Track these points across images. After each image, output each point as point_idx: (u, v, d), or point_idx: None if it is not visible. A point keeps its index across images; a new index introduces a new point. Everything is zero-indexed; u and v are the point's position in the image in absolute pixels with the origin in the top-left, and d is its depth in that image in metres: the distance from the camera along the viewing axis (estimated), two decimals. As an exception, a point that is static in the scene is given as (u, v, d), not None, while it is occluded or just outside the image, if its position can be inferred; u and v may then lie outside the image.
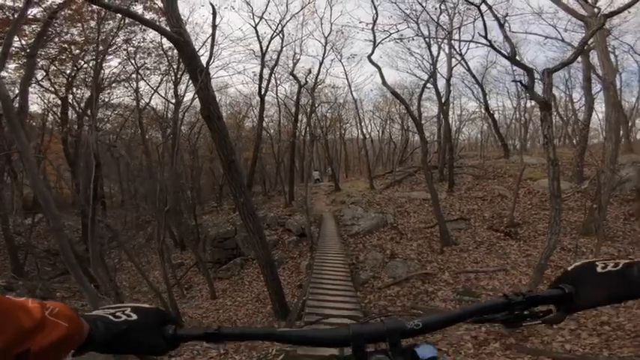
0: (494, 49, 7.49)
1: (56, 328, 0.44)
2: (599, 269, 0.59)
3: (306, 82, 20.22)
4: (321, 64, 20.03)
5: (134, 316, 0.58)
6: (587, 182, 13.30)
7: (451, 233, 11.12)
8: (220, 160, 6.59)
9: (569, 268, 0.63)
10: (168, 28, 6.57)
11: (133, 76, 19.93)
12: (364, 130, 26.42)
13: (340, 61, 22.73)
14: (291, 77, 20.55)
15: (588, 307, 0.60)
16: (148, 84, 19.43)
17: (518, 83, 6.82)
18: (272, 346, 7.20)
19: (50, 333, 0.43)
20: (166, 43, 16.90)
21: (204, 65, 6.70)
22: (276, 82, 22.05)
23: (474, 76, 21.91)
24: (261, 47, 18.32)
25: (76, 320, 0.48)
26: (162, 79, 20.02)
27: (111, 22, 16.89)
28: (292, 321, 8.69)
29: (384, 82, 11.33)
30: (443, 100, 17.42)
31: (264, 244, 7.23)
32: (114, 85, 21.11)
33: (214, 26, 7.14)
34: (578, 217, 11.36)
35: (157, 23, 10.55)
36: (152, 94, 20.59)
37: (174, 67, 18.46)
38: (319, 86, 22.84)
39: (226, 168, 6.38)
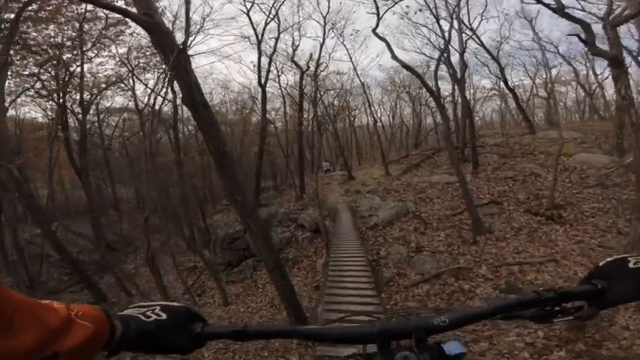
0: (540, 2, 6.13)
1: (82, 329, 0.44)
2: (631, 265, 0.57)
3: (308, 67, 18.99)
4: (321, 45, 18.77)
5: (163, 316, 0.58)
6: (632, 155, 11.74)
7: (483, 220, 9.85)
8: (210, 154, 5.57)
9: (601, 264, 0.61)
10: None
11: (130, 77, 19.22)
12: (374, 115, 25.01)
13: (343, 43, 21.38)
14: (293, 65, 19.41)
15: (620, 303, 0.58)
16: (143, 83, 18.55)
17: (576, 38, 5.49)
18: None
19: (77, 334, 0.43)
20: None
21: (181, 47, 5.66)
22: (278, 72, 20.90)
23: (488, 51, 20.36)
24: (256, 34, 17.17)
25: (102, 321, 0.48)
26: (158, 77, 19.11)
27: (97, 22, 16.16)
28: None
29: (393, 56, 10.04)
30: (458, 76, 15.93)
31: (269, 246, 6.21)
32: (111, 87, 20.44)
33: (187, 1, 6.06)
34: (628, 195, 9.91)
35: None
36: (150, 94, 19.70)
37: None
38: (323, 73, 21.62)
39: (218, 162, 5.36)
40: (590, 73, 27.55)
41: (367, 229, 11.78)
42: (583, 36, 5.26)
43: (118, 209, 26.91)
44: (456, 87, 17.22)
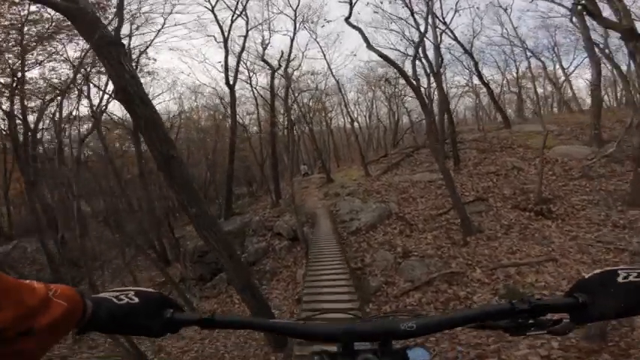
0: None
1: (58, 307, 0.46)
2: (620, 279, 0.54)
3: (280, 66, 18.09)
4: (292, 40, 17.90)
5: (136, 300, 0.59)
6: (615, 144, 11.55)
7: (471, 218, 9.24)
8: (154, 157, 4.57)
9: (587, 276, 0.58)
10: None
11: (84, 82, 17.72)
12: (351, 114, 24.36)
13: (316, 40, 20.71)
14: (265, 65, 18.47)
15: (603, 319, 0.56)
16: (97, 86, 17.05)
17: (581, 7, 4.88)
18: None
19: (53, 312, 0.45)
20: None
21: (112, 36, 4.69)
22: (249, 73, 19.86)
23: (461, 45, 20.22)
24: (222, 32, 16.14)
25: (75, 299, 0.50)
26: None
27: (45, 24, 14.72)
28: (291, 353, 6.95)
29: (369, 46, 9.31)
30: (435, 70, 15.47)
31: (236, 262, 5.25)
32: (65, 93, 18.78)
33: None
34: (616, 185, 9.60)
35: None
36: (109, 100, 18.16)
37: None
38: (296, 72, 20.81)
39: (163, 168, 4.35)
40: (558, 67, 28.14)
41: (349, 234, 10.95)
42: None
43: (83, 224, 25.07)
44: (432, 81, 16.79)
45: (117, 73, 4.43)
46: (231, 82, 16.31)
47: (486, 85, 20.75)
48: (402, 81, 24.60)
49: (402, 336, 0.54)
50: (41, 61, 16.82)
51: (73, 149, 28.50)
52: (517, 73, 26.67)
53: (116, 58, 4.54)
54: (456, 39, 19.65)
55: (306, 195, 17.46)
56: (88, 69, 17.23)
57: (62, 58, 17.00)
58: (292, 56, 18.39)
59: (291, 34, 17.94)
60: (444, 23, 18.37)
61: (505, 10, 19.57)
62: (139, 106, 4.29)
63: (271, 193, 17.08)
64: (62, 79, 18.11)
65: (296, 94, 21.85)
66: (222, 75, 16.17)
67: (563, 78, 28.86)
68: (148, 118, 4.30)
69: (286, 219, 12.78)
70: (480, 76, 20.71)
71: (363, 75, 27.39)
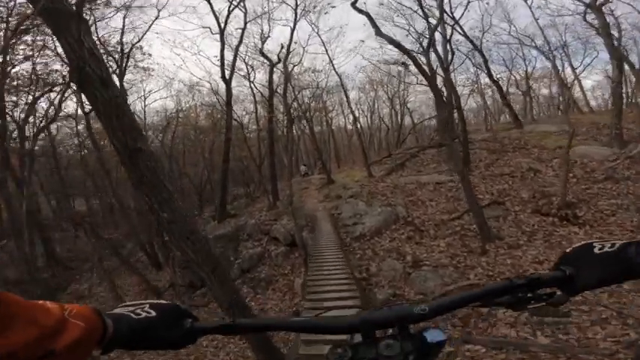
0: None
1: (76, 328, 0.45)
2: (596, 250, 0.58)
3: (279, 60, 17.22)
4: (292, 30, 17.01)
5: (153, 313, 0.58)
6: (639, 145, 10.67)
7: (487, 223, 8.35)
8: (115, 150, 3.71)
9: (568, 250, 0.62)
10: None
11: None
12: (353, 113, 23.51)
13: (317, 34, 19.93)
14: (265, 61, 17.61)
15: (590, 289, 0.59)
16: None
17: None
18: None
19: (71, 333, 0.44)
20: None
21: (72, 8, 3.87)
22: (248, 68, 18.96)
23: (471, 41, 19.39)
24: (218, 23, 15.30)
25: (93, 319, 0.49)
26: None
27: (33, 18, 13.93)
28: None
29: (378, 32, 8.46)
30: (445, 65, 14.61)
31: (220, 277, 4.37)
32: (55, 89, 17.98)
33: None
34: (645, 189, 8.73)
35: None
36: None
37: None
38: (296, 68, 19.94)
39: (127, 162, 3.50)
40: (567, 66, 27.22)
41: (352, 240, 10.07)
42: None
43: (76, 224, 24.35)
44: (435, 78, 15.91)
45: (75, 51, 3.58)
46: (227, 77, 15.44)
47: (496, 82, 19.96)
48: (406, 79, 23.83)
49: (416, 319, 0.56)
50: (29, 57, 16.06)
51: (66, 147, 27.78)
52: (526, 72, 25.74)
53: (76, 35, 3.69)
54: (465, 35, 18.83)
55: (306, 196, 16.58)
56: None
57: (53, 53, 16.24)
58: (292, 49, 17.55)
59: (292, 24, 17.10)
60: (453, 18, 17.61)
61: (525, 0, 18.88)
62: (98, 89, 3.43)
63: (268, 195, 16.17)
64: (53, 74, 17.36)
65: (296, 92, 21.03)
66: (218, 69, 15.37)
67: (572, 78, 27.96)
68: (108, 102, 3.44)
69: (284, 222, 11.89)
70: (490, 74, 19.94)
71: (374, 60, 25.99)
